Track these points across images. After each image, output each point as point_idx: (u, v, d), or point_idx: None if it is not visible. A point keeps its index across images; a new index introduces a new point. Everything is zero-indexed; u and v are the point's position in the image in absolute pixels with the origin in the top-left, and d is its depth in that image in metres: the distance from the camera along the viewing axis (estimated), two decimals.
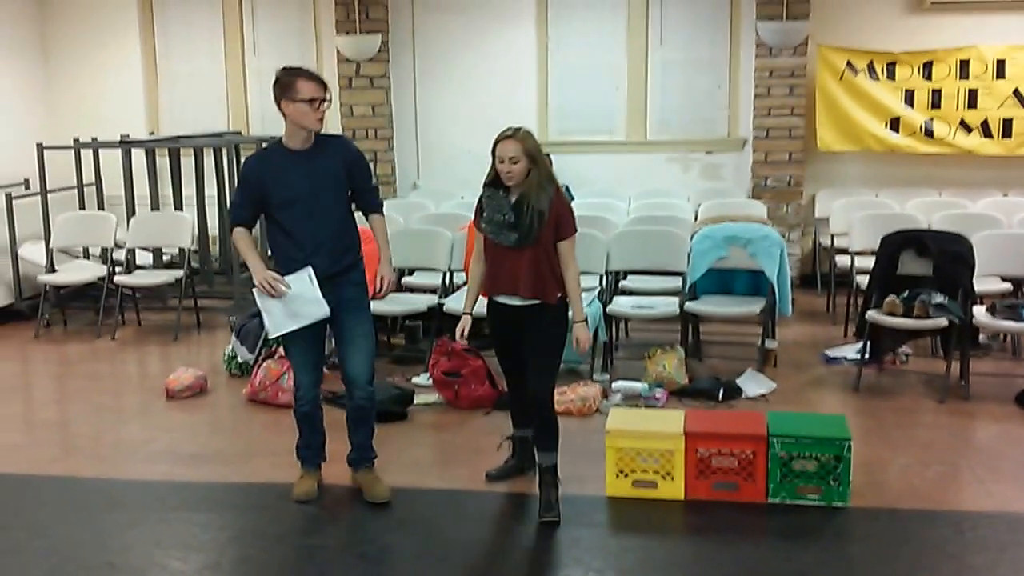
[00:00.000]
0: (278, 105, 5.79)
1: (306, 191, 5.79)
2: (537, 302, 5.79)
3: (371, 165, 6.40)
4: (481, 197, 5.91)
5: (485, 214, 5.87)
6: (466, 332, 6.05)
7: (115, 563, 5.47)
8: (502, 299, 5.91)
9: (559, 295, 5.82)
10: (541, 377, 5.86)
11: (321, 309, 5.82)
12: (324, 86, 5.81)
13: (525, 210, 5.66)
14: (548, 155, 6.12)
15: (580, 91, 12.55)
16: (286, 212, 5.84)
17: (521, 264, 5.75)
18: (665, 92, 12.38)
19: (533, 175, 5.68)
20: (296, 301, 5.81)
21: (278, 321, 5.89)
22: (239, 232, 6.00)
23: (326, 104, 5.80)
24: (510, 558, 5.58)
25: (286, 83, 5.73)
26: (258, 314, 8.68)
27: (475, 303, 6.12)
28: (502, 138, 5.72)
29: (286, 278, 5.81)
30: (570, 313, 5.92)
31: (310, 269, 5.81)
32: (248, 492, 6.42)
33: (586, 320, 5.96)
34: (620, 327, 9.60)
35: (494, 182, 5.82)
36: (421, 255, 9.23)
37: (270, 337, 6.36)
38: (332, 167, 5.88)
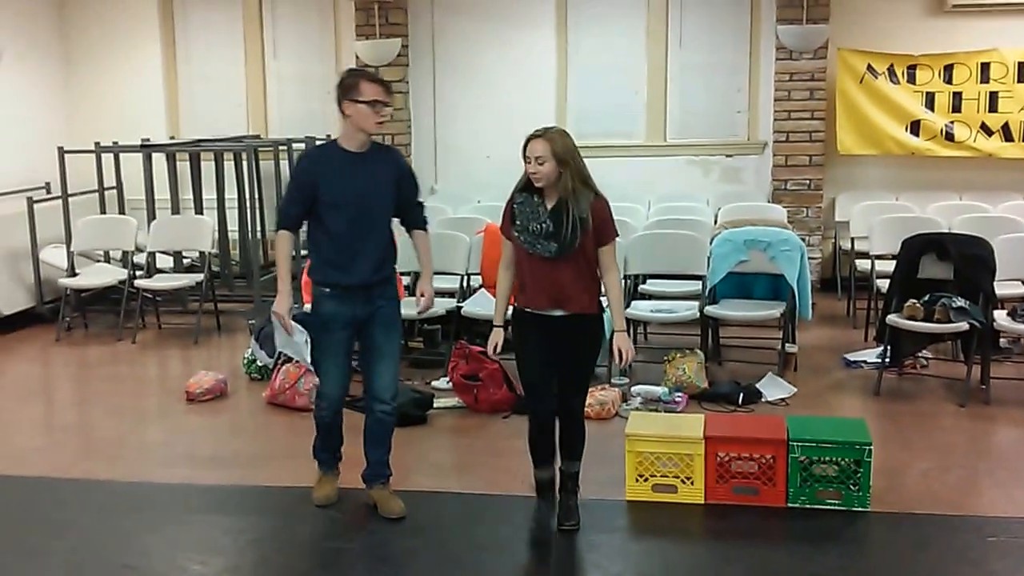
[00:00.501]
0: (339, 106, 5.70)
1: (356, 195, 5.68)
2: (576, 314, 5.53)
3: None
4: (512, 203, 5.57)
5: (518, 222, 5.51)
6: (499, 347, 5.73)
7: (135, 566, 5.49)
8: (540, 311, 5.57)
9: (598, 304, 5.61)
10: (577, 392, 5.73)
11: (306, 360, 6.00)
12: (388, 90, 5.72)
13: (564, 218, 5.36)
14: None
15: (600, 94, 12.53)
16: (333, 214, 5.70)
17: (563, 276, 5.46)
18: (685, 95, 12.36)
19: (564, 178, 5.37)
20: (297, 342, 5.90)
21: (281, 340, 5.98)
22: (282, 237, 5.87)
23: (388, 109, 5.71)
24: (530, 563, 5.60)
25: (349, 84, 5.65)
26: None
27: (506, 314, 5.82)
28: (531, 137, 5.42)
29: (297, 326, 5.87)
30: (607, 319, 5.76)
31: (307, 336, 5.89)
32: (268, 495, 6.43)
33: (627, 329, 5.73)
34: (640, 331, 9.60)
35: (527, 187, 5.49)
36: (439, 259, 9.13)
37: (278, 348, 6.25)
38: (385, 176, 5.78)
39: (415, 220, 6.04)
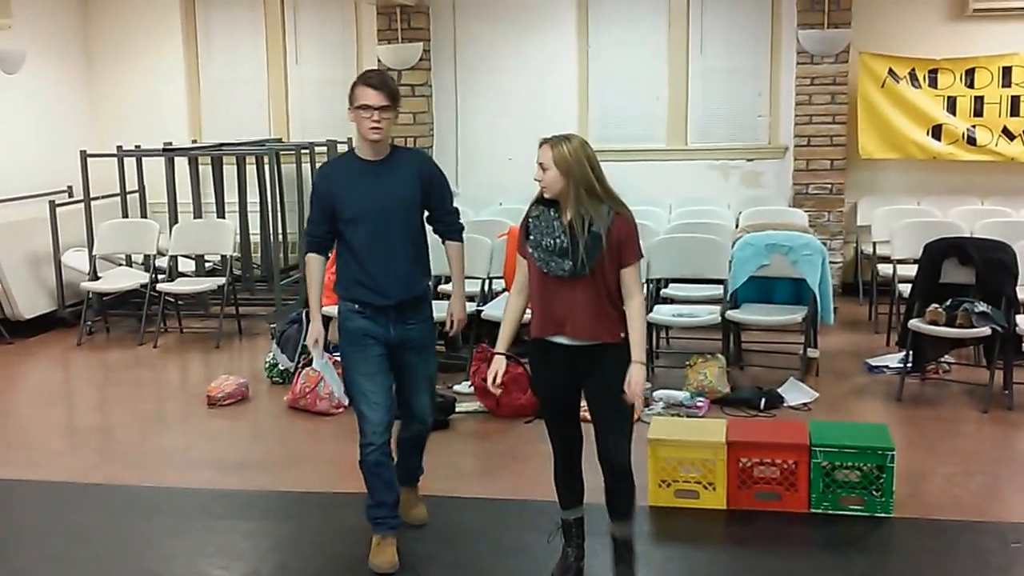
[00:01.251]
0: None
1: (375, 208, 5.29)
2: (596, 343, 4.90)
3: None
4: (527, 217, 5.00)
5: (532, 237, 4.93)
6: (499, 378, 5.08)
7: (156, 571, 5.52)
8: (555, 339, 4.95)
9: (623, 333, 4.92)
10: (616, 438, 5.00)
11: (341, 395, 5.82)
12: (387, 95, 5.25)
13: (580, 232, 4.77)
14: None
15: (621, 99, 12.53)
16: (352, 230, 5.33)
17: (579, 299, 4.86)
18: (706, 100, 12.36)
19: (568, 188, 4.78)
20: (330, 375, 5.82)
21: (319, 364, 5.72)
22: (310, 261, 5.53)
23: (388, 114, 5.25)
24: (551, 566, 5.52)
25: (351, 88, 5.36)
26: (297, 321, 8.79)
27: (510, 342, 5.15)
28: (540, 143, 4.89)
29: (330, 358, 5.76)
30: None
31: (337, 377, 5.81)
32: (289, 500, 6.45)
33: (645, 362, 4.95)
34: (661, 335, 9.59)
35: (544, 199, 4.92)
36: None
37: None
38: (407, 183, 5.38)
39: (446, 229, 5.70)
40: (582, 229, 4.77)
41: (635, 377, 4.85)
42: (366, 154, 5.37)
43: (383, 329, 5.37)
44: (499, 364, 5.09)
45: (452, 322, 5.73)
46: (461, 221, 5.77)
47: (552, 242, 4.83)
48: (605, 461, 4.98)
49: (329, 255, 5.55)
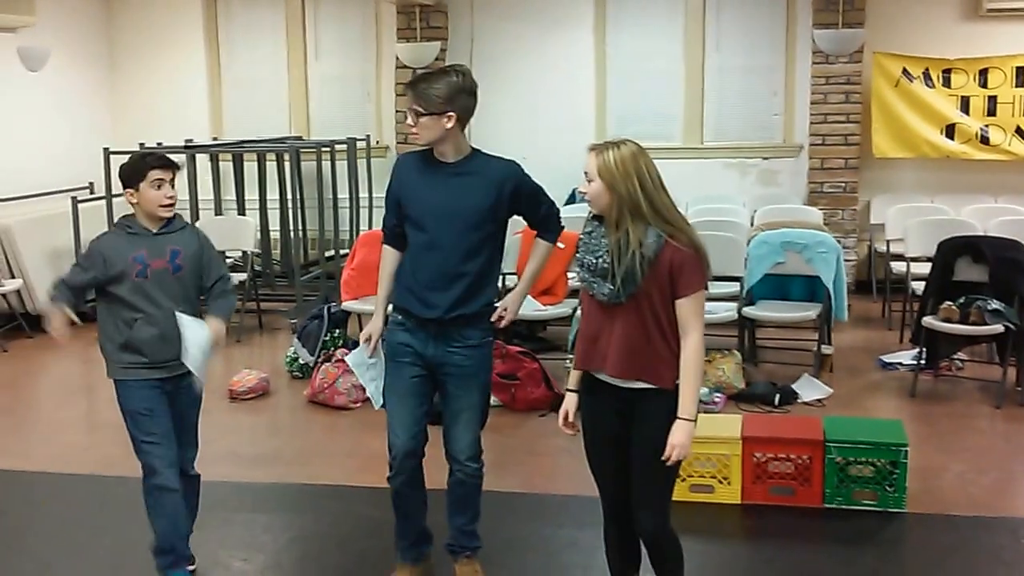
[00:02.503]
0: None
1: (437, 211, 4.82)
2: (640, 386, 4.22)
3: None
4: (582, 231, 4.38)
5: (578, 254, 4.34)
6: (571, 415, 4.46)
7: None
8: (598, 374, 4.33)
9: (676, 377, 4.18)
10: (647, 503, 4.36)
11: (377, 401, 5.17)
12: (415, 97, 4.81)
13: (624, 253, 4.12)
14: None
15: (638, 97, 12.59)
16: (413, 232, 4.90)
17: (615, 329, 4.21)
18: (722, 98, 12.41)
19: (614, 205, 4.15)
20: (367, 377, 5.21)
21: (359, 370, 5.24)
22: (384, 253, 5.13)
23: (424, 119, 4.79)
24: (565, 560, 5.62)
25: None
26: (317, 316, 8.87)
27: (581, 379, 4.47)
28: (588, 148, 4.31)
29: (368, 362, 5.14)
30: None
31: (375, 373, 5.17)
32: (308, 493, 6.50)
33: (695, 420, 4.17)
34: None
35: (598, 215, 4.30)
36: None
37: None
38: (478, 191, 4.84)
39: (540, 231, 5.18)
40: (630, 250, 4.11)
41: (676, 438, 4.13)
42: (440, 154, 4.90)
43: (422, 345, 4.90)
44: (570, 403, 4.47)
45: (500, 315, 5.13)
46: (561, 223, 5.23)
47: (594, 261, 4.23)
48: (636, 526, 4.44)
49: (402, 249, 5.04)
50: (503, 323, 5.13)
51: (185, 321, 5.00)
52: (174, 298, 5.03)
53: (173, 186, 4.98)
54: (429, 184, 4.87)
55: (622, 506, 4.44)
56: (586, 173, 4.24)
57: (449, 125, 4.78)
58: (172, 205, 5.03)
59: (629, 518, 4.44)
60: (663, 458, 4.13)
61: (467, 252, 4.83)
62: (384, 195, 5.16)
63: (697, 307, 4.17)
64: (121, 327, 5.04)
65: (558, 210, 5.21)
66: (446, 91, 4.79)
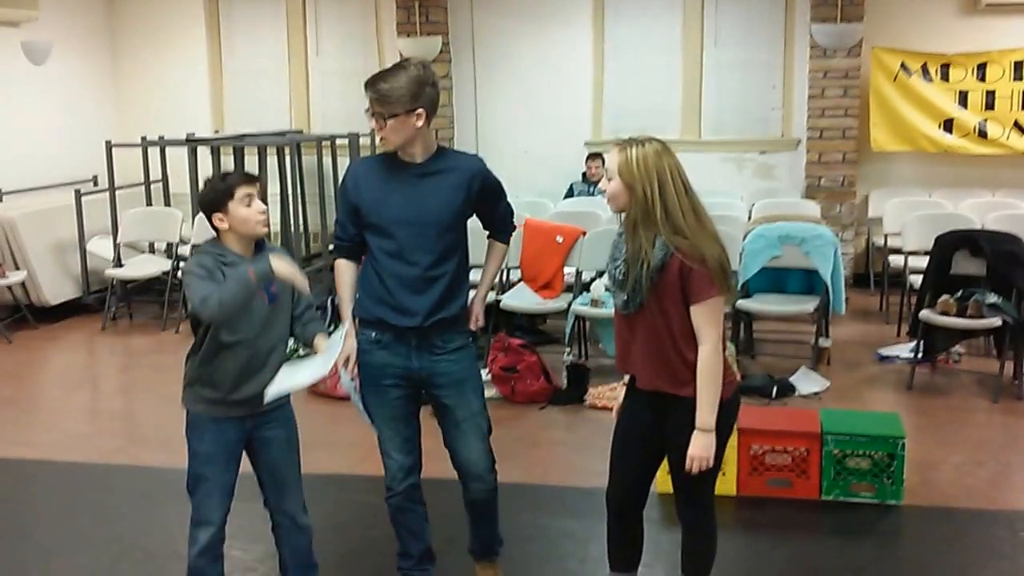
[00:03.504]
0: None
1: (406, 218, 4.52)
2: (664, 394, 4.18)
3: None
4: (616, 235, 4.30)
5: (607, 262, 4.31)
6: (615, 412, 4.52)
7: (178, 551, 5.53)
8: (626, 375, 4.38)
9: (694, 385, 4.11)
10: (687, 496, 4.41)
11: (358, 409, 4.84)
12: (378, 98, 4.46)
13: (634, 264, 4.07)
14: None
15: (635, 91, 12.61)
16: (377, 239, 4.59)
17: (636, 337, 4.19)
18: (720, 92, 12.44)
19: (631, 205, 4.08)
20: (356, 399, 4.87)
21: (346, 382, 4.85)
22: (338, 267, 4.81)
23: (392, 121, 4.44)
24: (564, 550, 5.63)
25: None
26: (320, 308, 8.88)
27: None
28: (613, 144, 4.21)
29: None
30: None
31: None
32: (309, 483, 6.46)
33: (712, 430, 4.10)
34: None
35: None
36: (477, 253, 9.33)
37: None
38: (447, 190, 4.58)
39: (494, 232, 4.99)
40: (634, 262, 4.06)
41: (695, 449, 4.09)
42: (405, 155, 4.56)
43: (404, 360, 4.63)
44: (622, 399, 4.48)
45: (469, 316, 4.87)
46: (514, 223, 5.06)
47: (613, 268, 4.19)
48: (678, 513, 4.50)
49: (358, 259, 4.79)
50: (475, 327, 4.90)
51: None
52: (268, 331, 4.55)
53: (264, 200, 4.44)
54: (395, 189, 4.55)
55: (631, 505, 4.50)
56: (607, 170, 4.16)
57: (419, 124, 4.46)
58: (266, 220, 4.45)
59: (635, 516, 4.52)
60: (685, 469, 4.13)
61: (442, 253, 4.58)
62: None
63: (710, 315, 4.04)
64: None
65: (513, 210, 5.01)
66: (410, 87, 4.43)
